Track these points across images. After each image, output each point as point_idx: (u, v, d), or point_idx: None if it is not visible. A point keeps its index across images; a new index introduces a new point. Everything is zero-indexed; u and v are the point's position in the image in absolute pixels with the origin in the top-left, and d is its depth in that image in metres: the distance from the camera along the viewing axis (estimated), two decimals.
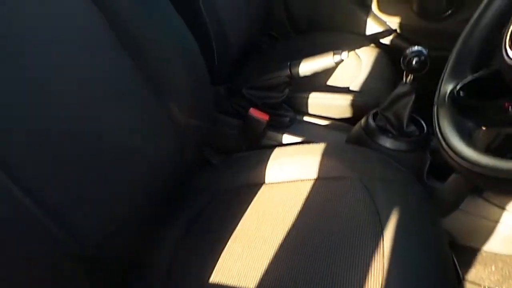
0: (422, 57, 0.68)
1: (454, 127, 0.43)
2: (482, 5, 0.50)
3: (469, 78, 0.46)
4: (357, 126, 0.84)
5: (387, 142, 0.77)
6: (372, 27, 1.29)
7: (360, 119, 0.86)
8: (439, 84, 0.50)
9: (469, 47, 0.48)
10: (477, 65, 0.47)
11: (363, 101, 0.93)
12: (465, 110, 0.44)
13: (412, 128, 0.79)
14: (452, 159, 0.43)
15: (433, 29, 1.25)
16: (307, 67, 0.79)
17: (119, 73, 0.57)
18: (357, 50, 1.15)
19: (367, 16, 1.28)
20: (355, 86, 0.98)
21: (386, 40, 1.29)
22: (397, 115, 0.77)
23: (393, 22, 1.28)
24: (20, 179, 0.42)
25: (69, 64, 0.50)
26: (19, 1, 0.45)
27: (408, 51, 0.69)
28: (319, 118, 0.94)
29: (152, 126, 0.63)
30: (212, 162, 0.84)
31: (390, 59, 1.16)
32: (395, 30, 1.29)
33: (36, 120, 0.45)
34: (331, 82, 0.99)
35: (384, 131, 0.78)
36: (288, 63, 0.81)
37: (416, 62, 0.69)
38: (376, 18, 1.29)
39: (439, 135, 0.46)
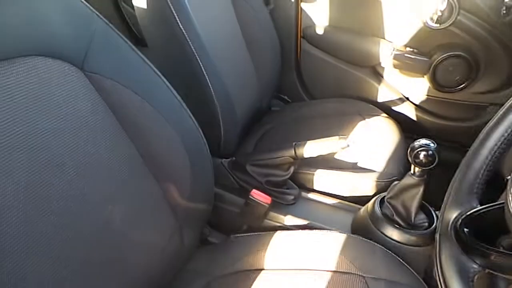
0: (430, 152, 0.66)
1: (455, 267, 0.40)
2: (491, 123, 0.47)
3: (474, 208, 0.42)
4: (362, 211, 0.80)
5: (393, 234, 0.73)
6: (384, 95, 1.28)
7: (367, 199, 0.83)
8: (441, 209, 0.47)
9: (475, 171, 0.45)
10: (483, 194, 0.44)
11: (371, 180, 0.89)
12: (467, 248, 0.40)
13: (422, 217, 0.75)
14: None
15: (447, 99, 1.23)
16: (312, 149, 0.77)
17: (122, 161, 0.57)
18: (368, 120, 1.13)
19: (379, 84, 1.27)
20: (364, 162, 0.95)
21: (398, 109, 1.28)
22: (404, 205, 0.73)
23: (406, 91, 1.27)
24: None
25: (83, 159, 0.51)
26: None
27: (415, 143, 0.67)
28: (325, 196, 0.91)
29: (151, 212, 0.62)
30: (210, 241, 0.82)
31: (402, 129, 1.14)
32: (407, 99, 1.28)
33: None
34: (338, 156, 0.97)
35: (390, 221, 0.74)
36: (294, 144, 0.80)
37: (424, 156, 0.66)
38: (389, 86, 1.28)
39: (438, 271, 0.42)
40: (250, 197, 0.78)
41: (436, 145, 0.66)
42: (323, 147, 0.76)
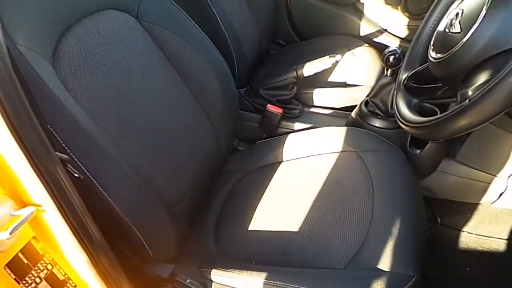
0: (397, 55, 0.89)
1: (405, 103, 0.65)
2: (430, 9, 0.71)
3: (417, 69, 0.66)
4: (353, 113, 1.05)
5: (376, 123, 0.98)
6: (365, 29, 1.49)
7: (356, 107, 1.07)
8: (398, 73, 0.71)
9: (419, 44, 0.70)
10: (424, 59, 0.68)
11: (358, 92, 1.14)
12: (413, 92, 0.65)
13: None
14: (403, 123, 0.64)
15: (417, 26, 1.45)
16: (309, 68, 1.01)
17: (173, 86, 0.82)
18: (353, 50, 1.36)
19: (360, 20, 1.49)
20: (352, 80, 1.19)
21: (378, 39, 1.50)
22: (383, 101, 0.97)
23: (383, 23, 1.49)
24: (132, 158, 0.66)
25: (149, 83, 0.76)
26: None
27: (386, 51, 0.91)
28: (323, 109, 1.15)
29: (196, 123, 0.87)
30: (240, 149, 1.07)
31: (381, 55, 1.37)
32: (386, 30, 1.50)
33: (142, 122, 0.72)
34: (331, 78, 1.20)
35: (374, 114, 0.99)
36: (294, 67, 1.03)
37: (393, 59, 0.90)
38: (369, 20, 1.49)
39: (396, 110, 0.67)
40: (267, 109, 1.02)
41: (400, 49, 0.90)
42: (318, 65, 1.00)
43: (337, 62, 0.99)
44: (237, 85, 1.15)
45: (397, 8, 1.43)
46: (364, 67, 1.24)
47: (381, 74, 1.24)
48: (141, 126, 0.70)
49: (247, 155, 1.03)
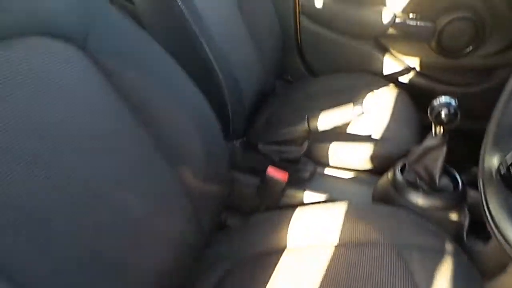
0: (452, 109, 0.63)
1: (506, 211, 0.38)
2: None
3: None
4: (383, 181, 0.78)
5: (418, 199, 0.70)
6: (390, 67, 1.25)
7: (385, 169, 0.80)
8: (481, 156, 0.44)
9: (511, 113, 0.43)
10: None
11: (387, 150, 0.87)
12: None
13: (446, 181, 0.73)
14: (508, 247, 0.37)
15: (454, 65, 1.20)
16: (326, 121, 0.75)
17: (132, 145, 0.54)
18: (376, 91, 1.11)
19: (383, 56, 1.24)
20: (378, 133, 0.92)
21: (405, 79, 1.25)
22: (427, 169, 0.70)
23: (411, 60, 1.24)
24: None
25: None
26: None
27: (435, 102, 0.64)
28: (342, 170, 0.88)
29: (166, 197, 0.59)
30: (228, 225, 0.79)
31: (412, 98, 1.11)
32: (414, 68, 1.25)
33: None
34: (351, 129, 0.94)
35: (414, 186, 0.72)
36: (306, 116, 0.77)
37: (445, 115, 0.63)
38: (393, 56, 1.25)
39: (489, 219, 0.40)
40: (267, 174, 0.75)
41: (457, 102, 0.64)
42: (338, 116, 0.74)
43: (362, 113, 0.73)
44: (231, 136, 0.90)
45: (428, 44, 1.19)
46: (394, 115, 0.98)
47: (416, 124, 0.99)
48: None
49: (238, 235, 0.76)
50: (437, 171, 0.70)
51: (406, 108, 1.04)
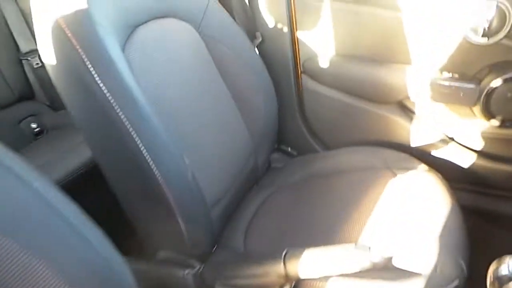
0: None
1: None
2: None
3: None
4: None
5: None
6: (418, 138, 0.96)
7: None
8: None
9: None
10: None
11: None
12: None
13: None
14: None
15: (506, 135, 0.90)
16: (313, 267, 0.46)
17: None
18: (400, 175, 0.82)
19: (410, 123, 0.96)
20: (402, 257, 0.62)
21: (440, 154, 0.95)
22: None
23: (449, 128, 0.95)
24: None
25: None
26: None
27: (501, 269, 0.35)
28: None
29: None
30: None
31: (450, 180, 0.82)
32: (452, 139, 0.95)
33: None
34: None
35: None
36: (283, 253, 0.49)
37: None
38: (424, 125, 0.96)
39: None
40: None
41: None
42: (332, 264, 0.45)
43: (379, 261, 0.45)
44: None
45: (471, 109, 0.90)
46: (426, 224, 0.69)
47: (462, 249, 0.68)
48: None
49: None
50: None
51: (444, 206, 0.73)
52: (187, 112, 0.71)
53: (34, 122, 1.24)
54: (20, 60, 1.26)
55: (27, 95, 1.29)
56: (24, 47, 1.27)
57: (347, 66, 0.97)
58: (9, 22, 1.24)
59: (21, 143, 1.20)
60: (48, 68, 0.58)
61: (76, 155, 1.01)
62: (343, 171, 0.89)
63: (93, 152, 0.64)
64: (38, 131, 1.23)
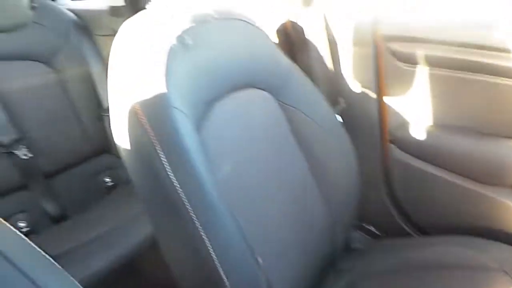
0: None
1: None
2: None
3: None
4: None
5: None
6: None
7: None
8: None
9: None
10: None
11: None
12: None
13: None
14: None
15: None
16: None
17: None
18: None
19: None
20: None
21: None
22: None
23: None
24: None
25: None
26: None
27: None
28: None
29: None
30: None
31: None
32: None
33: None
34: None
35: None
36: None
37: None
38: None
39: None
40: None
41: None
42: None
43: None
44: None
45: None
46: None
47: None
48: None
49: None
50: None
51: None
52: (263, 203, 0.63)
53: (108, 176, 1.26)
54: (102, 115, 1.31)
55: (106, 148, 1.33)
56: (106, 102, 1.32)
57: (448, 138, 0.82)
58: (94, 77, 1.30)
59: (95, 196, 1.22)
60: (120, 148, 0.54)
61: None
62: (446, 266, 0.72)
63: (156, 233, 0.58)
64: (111, 185, 1.25)
